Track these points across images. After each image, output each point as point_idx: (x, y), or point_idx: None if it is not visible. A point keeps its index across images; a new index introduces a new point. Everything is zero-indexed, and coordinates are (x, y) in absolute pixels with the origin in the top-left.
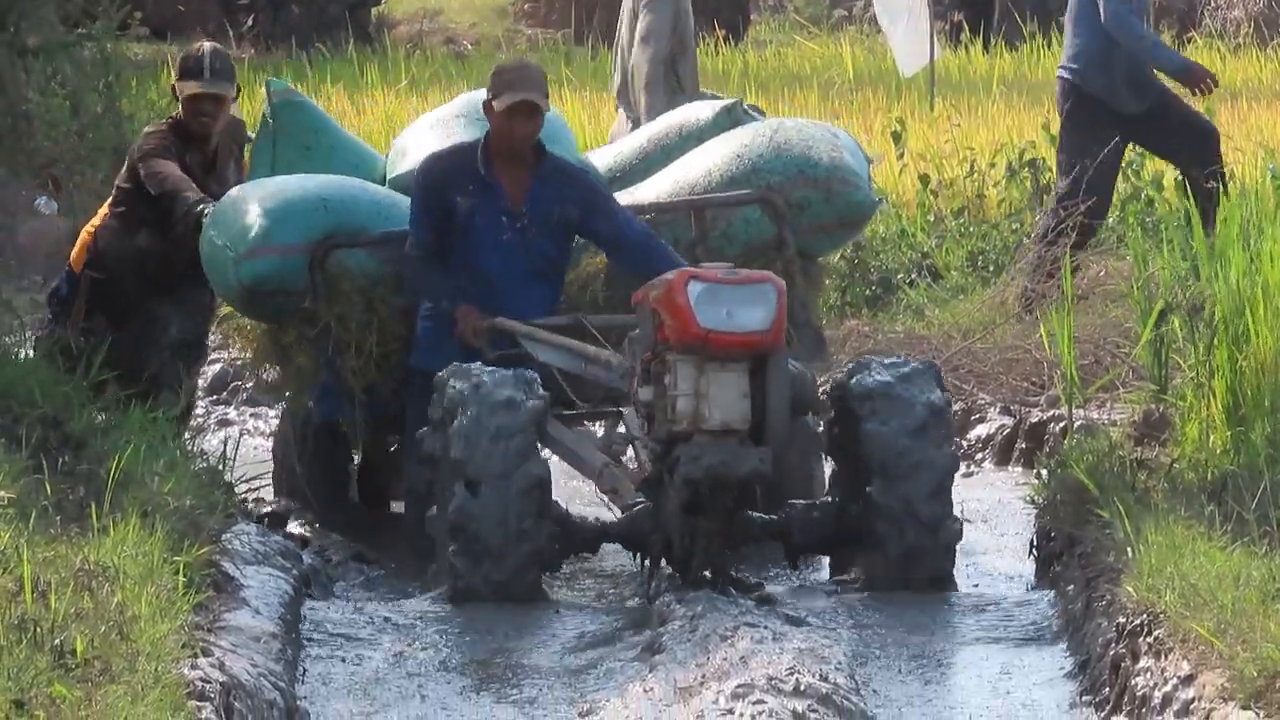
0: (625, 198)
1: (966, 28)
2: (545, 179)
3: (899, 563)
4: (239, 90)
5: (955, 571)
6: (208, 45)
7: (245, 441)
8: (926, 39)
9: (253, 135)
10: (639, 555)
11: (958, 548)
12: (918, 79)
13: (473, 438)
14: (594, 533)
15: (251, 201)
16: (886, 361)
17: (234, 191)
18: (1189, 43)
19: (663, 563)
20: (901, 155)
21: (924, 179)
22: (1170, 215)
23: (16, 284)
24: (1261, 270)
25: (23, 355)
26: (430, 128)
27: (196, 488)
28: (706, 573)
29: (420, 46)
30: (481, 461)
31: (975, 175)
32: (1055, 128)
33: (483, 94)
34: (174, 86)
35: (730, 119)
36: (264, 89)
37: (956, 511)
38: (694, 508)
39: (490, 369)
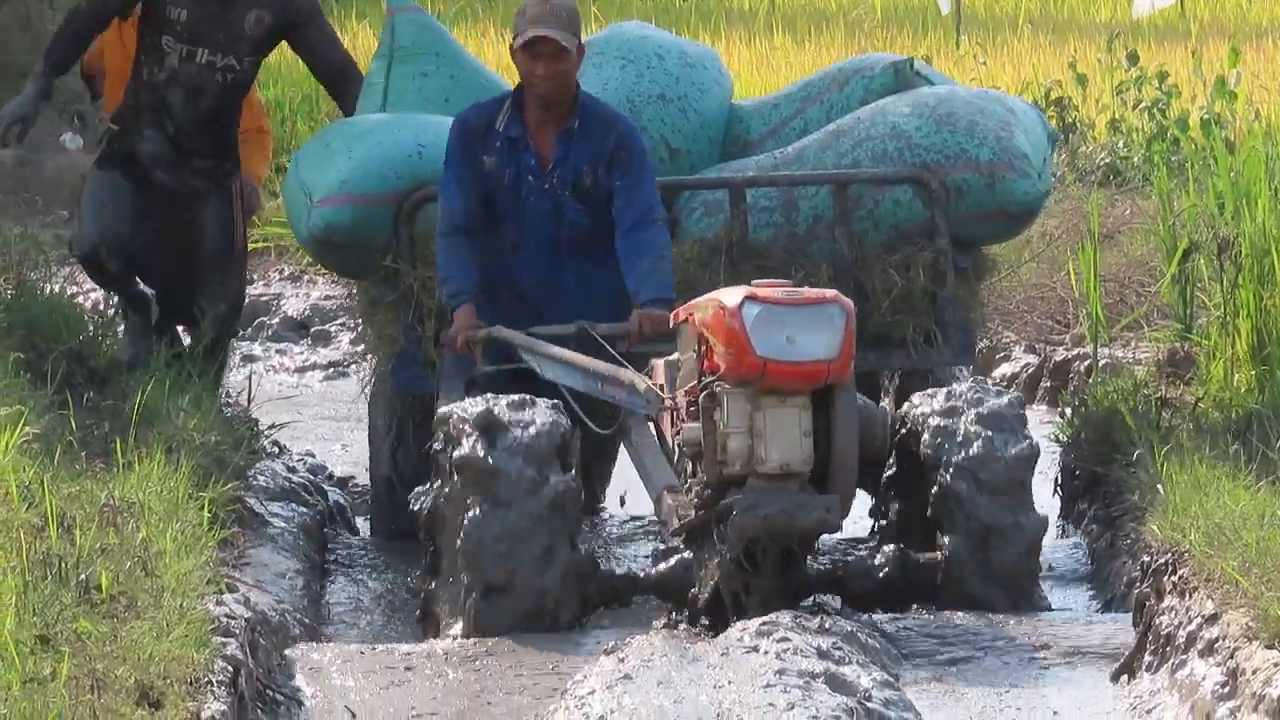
0: (770, 163)
1: None
2: (578, 134)
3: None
4: None
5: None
6: None
7: (269, 377)
8: None
9: None
10: (676, 611)
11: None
12: (945, 16)
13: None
14: (624, 583)
15: (337, 141)
16: (962, 391)
17: (326, 129)
18: None
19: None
20: None
21: None
22: (1195, 154)
23: (42, 219)
24: None
25: (49, 291)
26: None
27: (221, 424)
28: None
29: None
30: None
31: None
32: (1082, 66)
33: (625, 26)
34: None
35: (898, 79)
36: (385, 4)
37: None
38: (748, 563)
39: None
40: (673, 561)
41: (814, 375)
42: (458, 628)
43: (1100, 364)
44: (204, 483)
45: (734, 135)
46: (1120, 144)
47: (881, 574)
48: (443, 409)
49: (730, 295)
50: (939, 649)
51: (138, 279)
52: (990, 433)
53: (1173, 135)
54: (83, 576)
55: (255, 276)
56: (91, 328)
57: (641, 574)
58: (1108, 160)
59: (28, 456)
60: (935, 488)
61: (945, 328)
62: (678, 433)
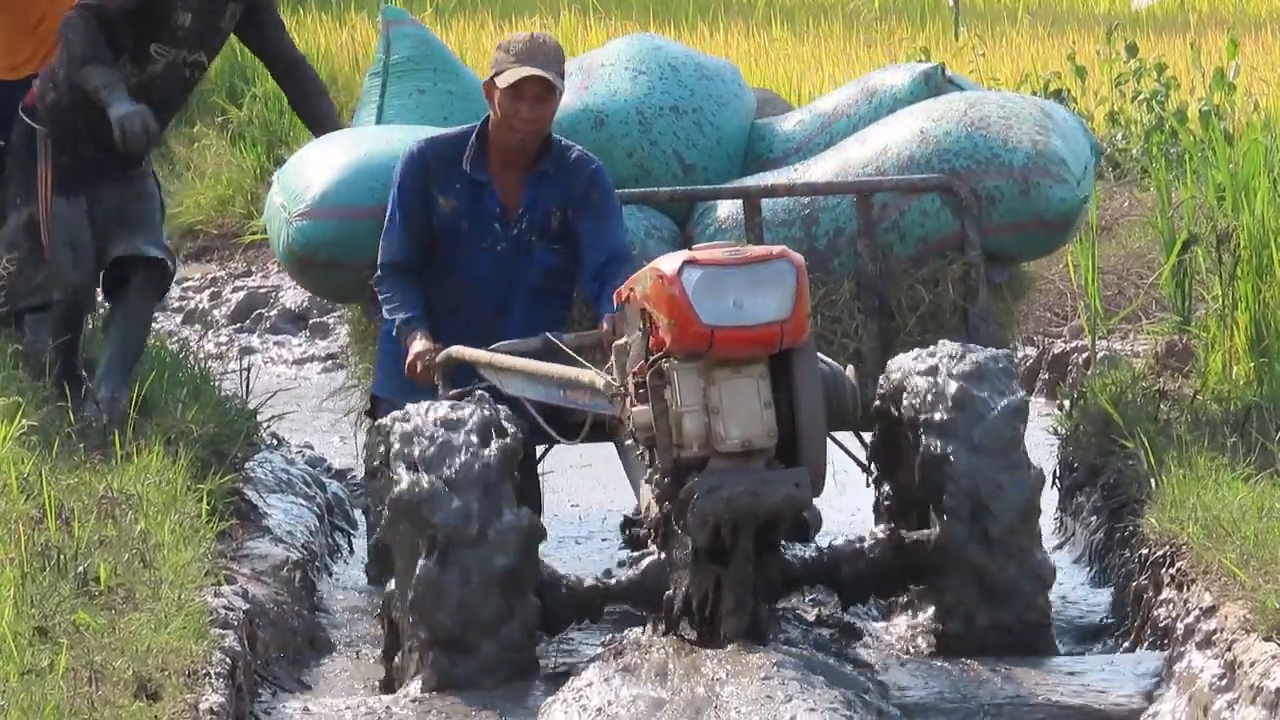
0: (788, 175)
1: None
2: (546, 175)
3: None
4: None
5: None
6: None
7: (267, 370)
8: None
9: None
10: (654, 620)
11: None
12: (942, 6)
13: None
14: (593, 595)
15: (320, 154)
16: (944, 352)
17: (310, 144)
18: None
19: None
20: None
21: None
22: (1194, 146)
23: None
24: None
25: None
26: (568, 76)
27: (219, 416)
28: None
29: None
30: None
31: None
32: (1081, 58)
33: (636, 38)
34: None
35: (928, 87)
36: (380, 17)
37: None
38: (716, 554)
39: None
40: (645, 565)
41: (767, 339)
42: (416, 684)
43: (1098, 356)
44: (202, 475)
45: (755, 153)
46: (1119, 136)
47: (872, 557)
48: (381, 420)
49: (669, 262)
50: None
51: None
52: (974, 388)
53: (1171, 127)
54: (81, 568)
55: (254, 269)
56: (90, 321)
57: (612, 582)
58: (1106, 152)
59: (26, 448)
60: (920, 452)
61: (981, 343)
62: (629, 419)
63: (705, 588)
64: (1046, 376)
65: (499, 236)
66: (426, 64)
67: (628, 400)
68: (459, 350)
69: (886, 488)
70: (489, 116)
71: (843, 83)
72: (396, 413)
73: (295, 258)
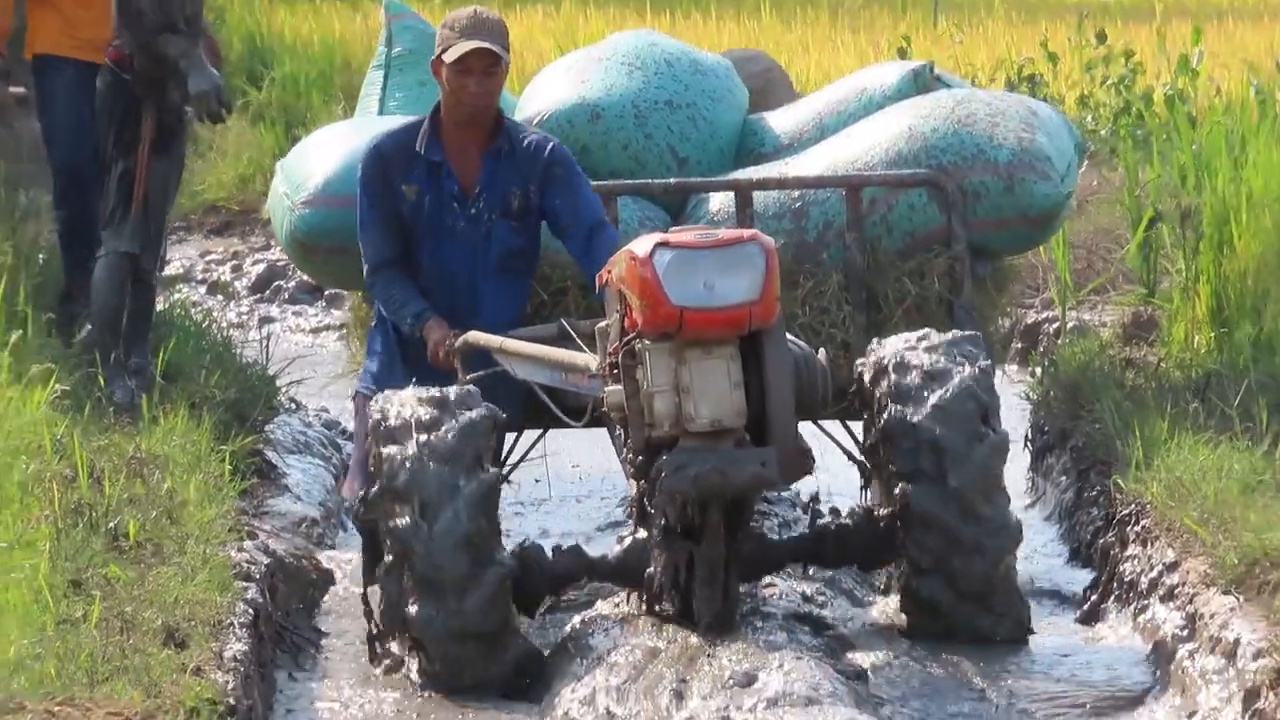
0: (779, 169)
1: None
2: (501, 154)
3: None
4: None
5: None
6: None
7: (286, 338)
8: None
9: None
10: (631, 597)
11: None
12: None
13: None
14: (576, 568)
15: (324, 144)
16: (914, 337)
17: (312, 134)
18: None
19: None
20: None
21: None
22: (1159, 128)
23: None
24: (1245, 180)
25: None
26: (566, 70)
27: (241, 381)
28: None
29: None
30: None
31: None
32: (1053, 45)
33: (632, 34)
34: None
35: (916, 85)
36: (383, 11)
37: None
38: (687, 531)
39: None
40: (627, 543)
41: (736, 321)
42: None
43: (1068, 326)
44: (225, 436)
45: (748, 148)
46: (1089, 118)
47: (850, 534)
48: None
49: (641, 244)
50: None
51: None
52: (942, 359)
53: (1138, 110)
54: (111, 525)
55: (273, 243)
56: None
57: (597, 559)
58: (1089, 149)
59: (59, 412)
60: (887, 418)
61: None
62: (604, 397)
63: (678, 565)
64: (1019, 345)
65: (458, 215)
66: (428, 57)
67: (606, 377)
68: (474, 335)
69: (876, 483)
70: (439, 101)
71: (828, 68)
72: (380, 396)
73: (298, 244)
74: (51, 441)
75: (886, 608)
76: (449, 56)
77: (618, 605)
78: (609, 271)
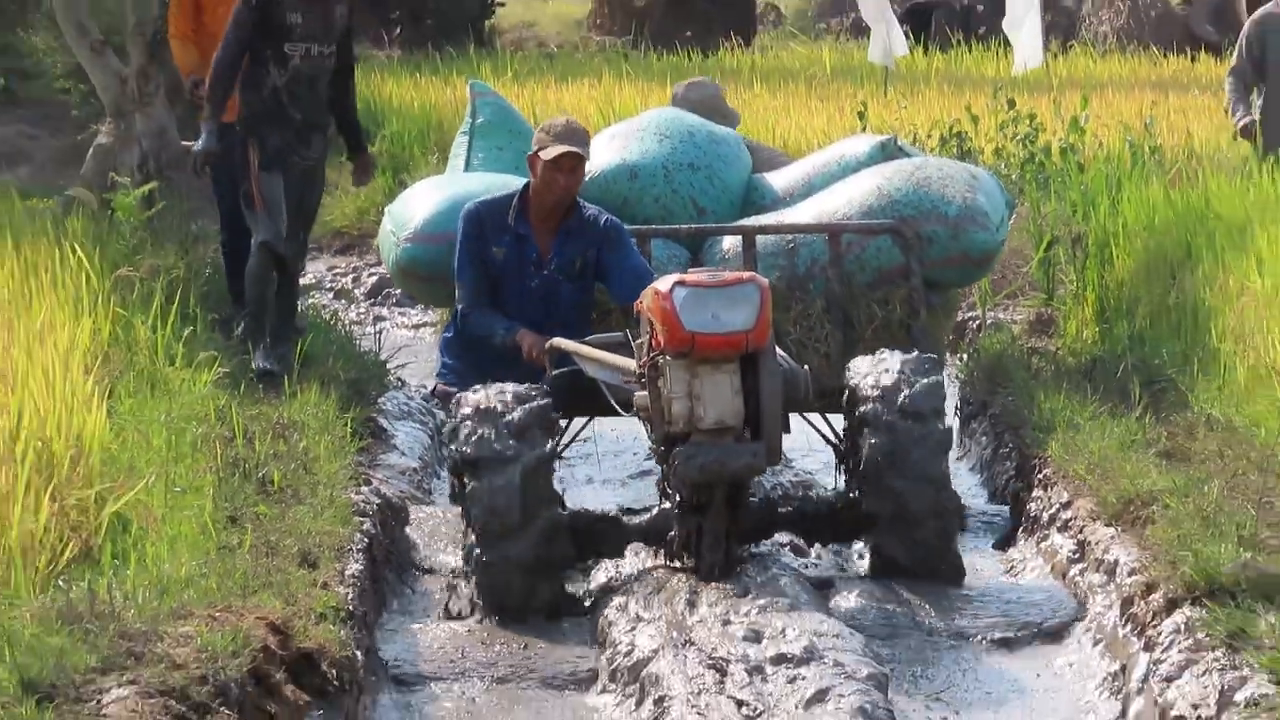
0: (776, 218)
1: (912, 37)
2: (572, 230)
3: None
4: None
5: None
6: None
7: (393, 332)
8: (1039, 45)
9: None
10: (657, 553)
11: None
12: (875, 72)
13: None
14: (616, 533)
15: (422, 193)
16: (889, 355)
17: (413, 185)
18: (1069, 49)
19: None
20: (864, 129)
21: None
22: (1056, 173)
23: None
24: (1121, 212)
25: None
26: (610, 138)
27: (359, 365)
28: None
29: (520, 49)
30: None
31: (917, 144)
32: (975, 109)
33: (661, 111)
34: None
35: (884, 153)
36: (468, 90)
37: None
38: (696, 507)
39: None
40: (654, 512)
41: (736, 344)
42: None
43: (987, 323)
44: (347, 407)
45: (752, 201)
46: (1002, 165)
47: (828, 512)
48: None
49: (664, 282)
50: None
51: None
52: (906, 372)
53: (1039, 159)
54: (260, 474)
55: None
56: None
57: (631, 524)
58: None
59: (221, 388)
60: (858, 416)
61: (919, 351)
62: (635, 400)
63: (687, 529)
64: (950, 337)
65: (534, 275)
66: (504, 126)
67: (637, 384)
68: (559, 341)
69: (850, 462)
70: (529, 183)
71: (804, 126)
72: (462, 394)
73: (401, 272)
74: (215, 411)
75: (856, 562)
76: (545, 155)
77: (645, 558)
78: (641, 302)
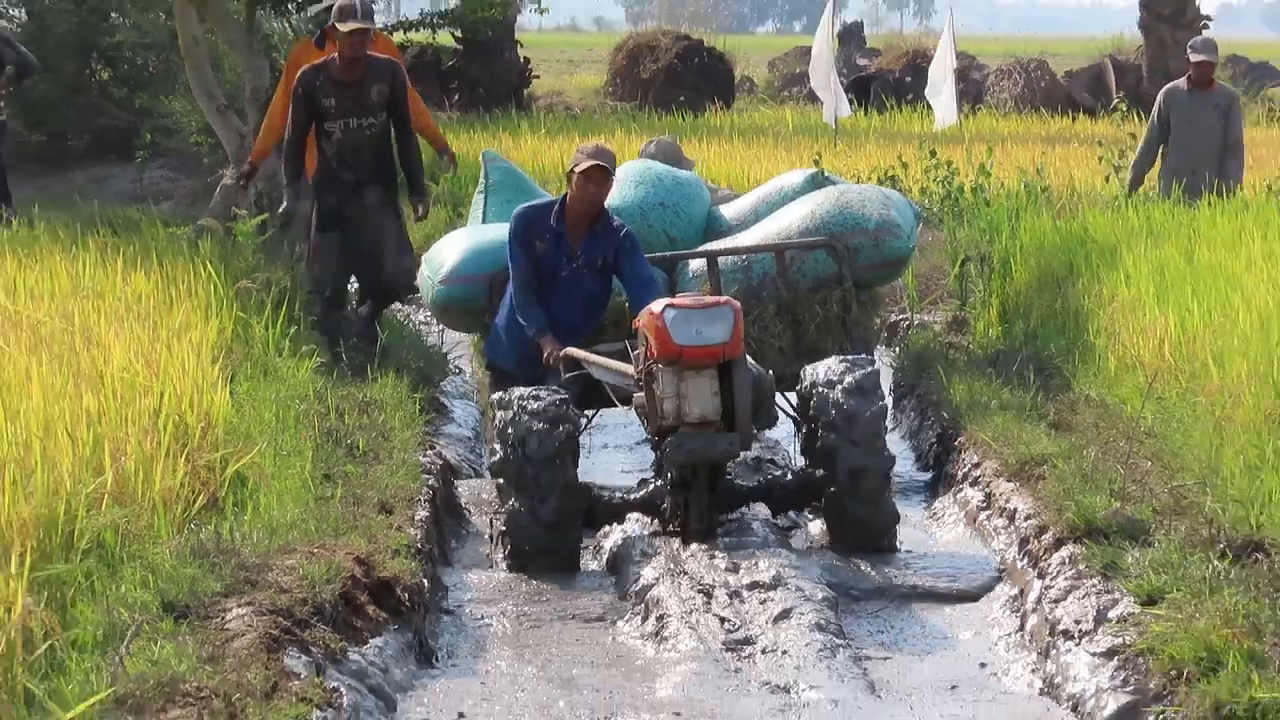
0: (731, 241)
1: (856, 102)
2: (598, 233)
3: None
4: (377, 30)
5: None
6: None
7: (451, 333)
8: (954, 108)
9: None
10: (654, 520)
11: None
12: (827, 129)
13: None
14: (620, 505)
15: (451, 244)
16: (836, 358)
17: (443, 238)
18: (978, 111)
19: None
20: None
21: None
22: (968, 207)
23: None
24: (1019, 237)
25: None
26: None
27: (426, 356)
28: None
29: (551, 111)
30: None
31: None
32: (905, 158)
33: (635, 163)
34: (333, 27)
35: (814, 184)
36: (480, 158)
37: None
38: (683, 484)
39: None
40: (651, 488)
41: (715, 354)
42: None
43: (915, 323)
44: (416, 388)
45: (712, 228)
46: (926, 201)
47: (790, 485)
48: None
49: (657, 305)
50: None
51: (342, 300)
52: (848, 364)
53: (955, 196)
54: (349, 441)
55: None
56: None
57: (631, 498)
58: (924, 217)
59: (319, 374)
60: (816, 395)
61: (852, 341)
62: (634, 400)
63: (677, 503)
64: (885, 334)
65: (565, 268)
66: (512, 185)
67: (635, 387)
68: (570, 350)
69: (805, 437)
70: (566, 193)
71: (773, 172)
72: (501, 394)
73: (438, 307)
74: (314, 392)
75: (814, 525)
76: (578, 169)
77: (644, 524)
78: (639, 321)
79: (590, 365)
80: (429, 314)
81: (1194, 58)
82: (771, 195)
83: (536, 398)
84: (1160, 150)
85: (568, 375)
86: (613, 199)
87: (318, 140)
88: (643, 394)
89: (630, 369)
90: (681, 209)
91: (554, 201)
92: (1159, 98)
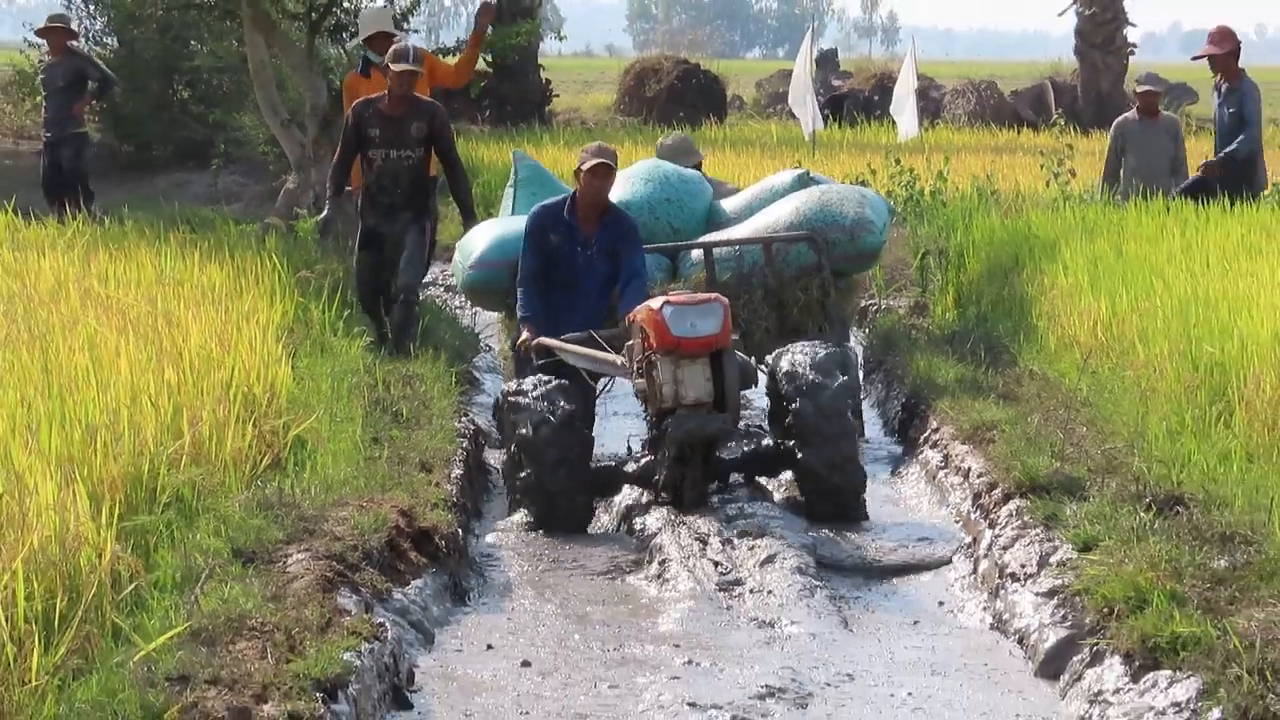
0: (724, 235)
1: (831, 116)
2: (607, 224)
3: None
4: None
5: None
6: (411, 42)
7: (483, 314)
8: (915, 123)
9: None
10: (649, 493)
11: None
12: (805, 141)
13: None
14: (618, 478)
15: (480, 232)
16: (803, 347)
17: (475, 228)
18: (936, 125)
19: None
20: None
21: None
22: (928, 208)
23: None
24: (971, 234)
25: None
26: (625, 179)
27: (460, 336)
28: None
29: (569, 125)
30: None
31: None
32: (874, 165)
33: (643, 162)
34: (387, 66)
35: (800, 183)
36: (511, 156)
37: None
38: (680, 459)
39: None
40: (644, 462)
41: (708, 344)
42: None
43: (882, 307)
44: (453, 363)
45: (712, 221)
46: (891, 202)
47: (767, 456)
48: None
49: (655, 301)
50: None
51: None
52: (821, 347)
53: (916, 198)
54: (394, 409)
55: None
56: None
57: (627, 470)
58: (898, 214)
59: (369, 351)
60: (789, 369)
61: (831, 323)
62: (635, 386)
63: (674, 477)
64: (858, 317)
65: (579, 255)
66: (538, 180)
67: (635, 376)
68: (544, 340)
69: (775, 412)
70: (576, 190)
71: (761, 177)
72: (511, 384)
73: (468, 290)
74: (364, 366)
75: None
76: (585, 167)
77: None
78: (636, 314)
79: (563, 353)
80: (464, 298)
81: (1140, 89)
82: (764, 193)
83: (546, 384)
84: (1120, 172)
85: (540, 361)
86: (624, 194)
87: (362, 165)
88: (643, 381)
89: (601, 355)
90: (685, 204)
91: (565, 198)
92: (1113, 129)
